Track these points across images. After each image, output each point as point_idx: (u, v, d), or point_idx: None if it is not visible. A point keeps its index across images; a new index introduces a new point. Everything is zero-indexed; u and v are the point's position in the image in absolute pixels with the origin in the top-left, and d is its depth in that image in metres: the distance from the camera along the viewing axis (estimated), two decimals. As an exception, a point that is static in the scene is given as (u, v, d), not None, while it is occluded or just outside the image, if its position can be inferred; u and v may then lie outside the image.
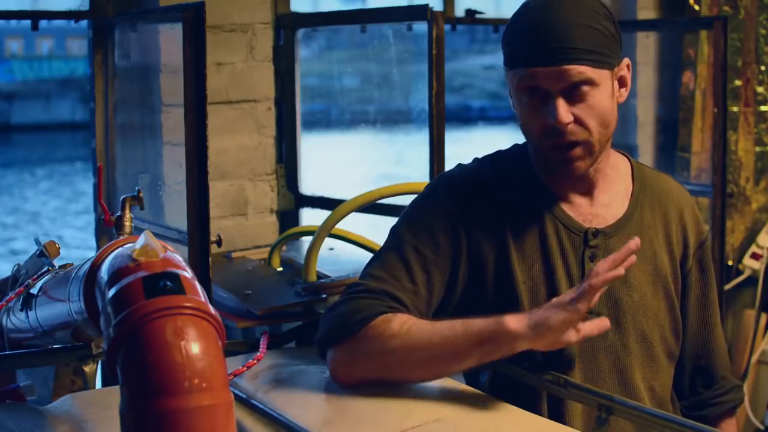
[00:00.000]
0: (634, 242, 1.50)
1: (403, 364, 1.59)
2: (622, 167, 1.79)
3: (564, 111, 1.59)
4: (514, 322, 1.52)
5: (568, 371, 1.66)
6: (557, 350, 1.63)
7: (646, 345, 1.71)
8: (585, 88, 1.59)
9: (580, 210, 1.72)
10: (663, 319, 1.73)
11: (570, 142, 1.61)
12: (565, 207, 1.71)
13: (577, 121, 1.60)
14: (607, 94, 1.63)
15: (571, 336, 1.50)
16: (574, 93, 1.59)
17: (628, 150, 4.03)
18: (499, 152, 1.80)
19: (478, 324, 1.53)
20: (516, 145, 1.80)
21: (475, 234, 1.69)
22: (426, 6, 2.63)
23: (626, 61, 1.69)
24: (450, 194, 1.72)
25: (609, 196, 1.74)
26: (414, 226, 1.71)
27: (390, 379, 1.61)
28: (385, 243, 1.73)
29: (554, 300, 1.52)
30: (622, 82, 1.68)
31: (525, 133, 1.68)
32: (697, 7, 3.84)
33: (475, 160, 1.80)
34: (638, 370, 1.71)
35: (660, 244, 1.74)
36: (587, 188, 1.72)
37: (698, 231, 1.80)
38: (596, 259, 1.68)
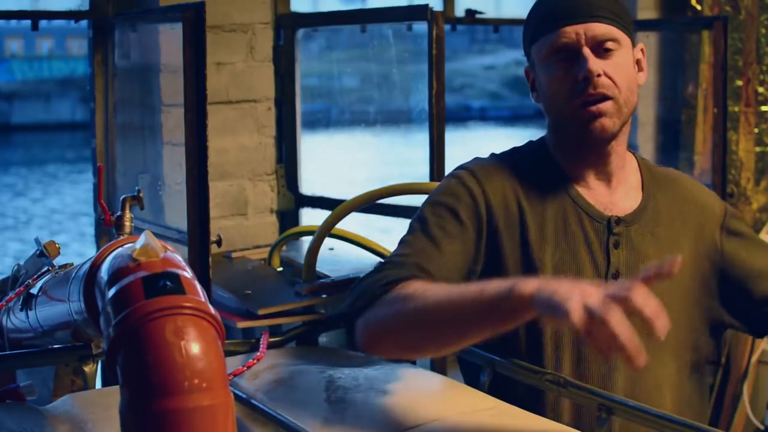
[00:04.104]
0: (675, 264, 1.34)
1: (419, 328, 1.53)
2: (631, 161, 1.81)
3: (594, 61, 1.65)
4: (526, 288, 1.38)
5: (581, 362, 1.67)
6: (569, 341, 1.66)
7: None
8: (611, 45, 1.66)
9: (599, 198, 1.73)
10: (678, 306, 1.71)
11: (600, 94, 1.65)
12: (585, 195, 1.73)
13: (606, 75, 1.66)
14: (630, 60, 1.70)
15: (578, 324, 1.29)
16: (601, 50, 1.66)
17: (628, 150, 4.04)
18: (514, 148, 1.83)
19: (493, 288, 1.44)
20: (530, 142, 1.83)
21: (495, 216, 1.70)
22: (426, 6, 2.63)
23: (641, 45, 1.76)
24: (471, 177, 1.74)
25: (625, 187, 1.76)
26: (436, 207, 1.72)
27: (409, 346, 1.56)
28: (409, 229, 1.73)
29: (581, 283, 1.36)
30: (639, 66, 1.75)
31: (552, 104, 1.71)
32: (699, 7, 3.84)
33: (492, 154, 1.83)
34: (658, 358, 1.69)
35: (677, 232, 1.76)
36: (607, 177, 1.74)
37: (716, 206, 1.80)
38: (620, 247, 1.70)
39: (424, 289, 1.54)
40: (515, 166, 1.76)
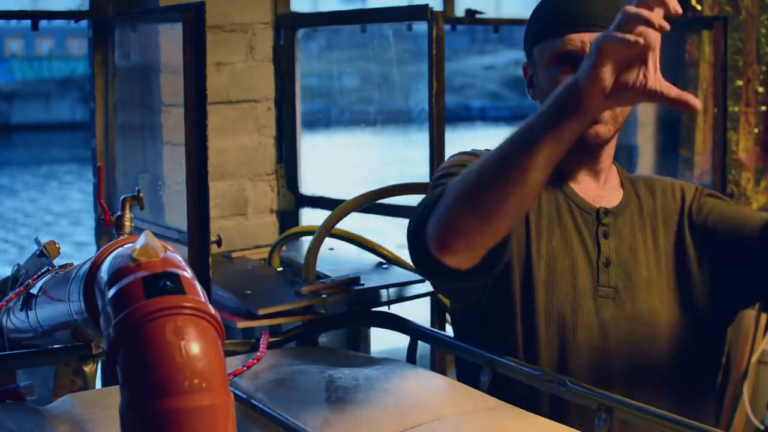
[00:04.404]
0: None
1: (489, 178, 1.43)
2: (613, 166, 1.88)
3: None
4: (566, 79, 1.38)
5: (573, 351, 1.70)
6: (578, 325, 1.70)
7: (656, 318, 1.74)
8: None
9: (588, 192, 1.80)
10: (667, 292, 1.76)
11: None
12: (575, 188, 1.80)
13: None
14: None
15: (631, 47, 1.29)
16: None
17: (628, 150, 4.03)
18: None
19: (544, 106, 1.39)
20: None
21: None
22: (426, 6, 2.63)
23: None
24: (477, 152, 1.77)
25: (610, 185, 1.84)
26: (453, 167, 1.69)
27: (485, 211, 1.44)
28: (434, 187, 1.66)
29: None
30: None
31: None
32: (699, 7, 3.84)
33: (487, 149, 1.84)
34: (652, 344, 1.74)
35: (658, 223, 1.81)
36: (596, 174, 1.81)
37: (691, 189, 1.84)
38: (609, 237, 1.76)
39: (479, 158, 1.50)
40: None
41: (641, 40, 1.28)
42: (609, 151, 1.80)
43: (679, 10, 1.30)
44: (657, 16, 1.29)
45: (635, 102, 1.36)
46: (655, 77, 1.31)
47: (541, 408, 1.69)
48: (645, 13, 1.28)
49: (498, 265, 1.60)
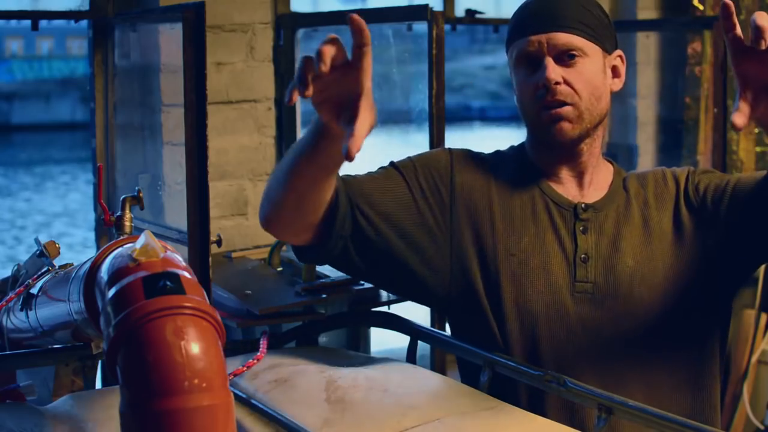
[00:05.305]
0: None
1: (276, 174, 1.65)
2: (607, 166, 1.87)
3: (553, 70, 1.72)
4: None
5: (572, 342, 1.71)
6: (560, 320, 1.72)
7: (646, 309, 1.73)
8: (574, 53, 1.73)
9: (569, 191, 1.81)
10: (662, 280, 1.74)
11: (558, 101, 1.72)
12: (555, 187, 1.81)
13: (567, 83, 1.72)
14: (597, 68, 1.75)
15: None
16: (564, 59, 1.73)
17: (628, 150, 4.03)
18: (497, 150, 1.92)
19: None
20: (512, 146, 1.91)
21: (456, 200, 1.79)
22: (426, 6, 2.63)
23: (619, 52, 1.82)
24: (447, 153, 1.85)
25: (596, 185, 1.83)
26: (402, 159, 1.85)
27: (270, 198, 1.66)
28: None
29: None
30: (615, 72, 1.81)
31: (521, 107, 1.80)
32: (701, 7, 3.84)
33: (475, 152, 1.90)
34: (644, 335, 1.73)
35: (649, 207, 1.80)
36: (579, 174, 1.81)
37: (684, 172, 1.83)
38: (588, 232, 1.76)
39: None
40: (494, 163, 1.85)
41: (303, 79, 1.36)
42: (591, 150, 1.79)
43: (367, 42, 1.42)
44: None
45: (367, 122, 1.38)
46: (357, 97, 1.39)
47: (542, 408, 1.69)
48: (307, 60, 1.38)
49: (325, 248, 1.70)
